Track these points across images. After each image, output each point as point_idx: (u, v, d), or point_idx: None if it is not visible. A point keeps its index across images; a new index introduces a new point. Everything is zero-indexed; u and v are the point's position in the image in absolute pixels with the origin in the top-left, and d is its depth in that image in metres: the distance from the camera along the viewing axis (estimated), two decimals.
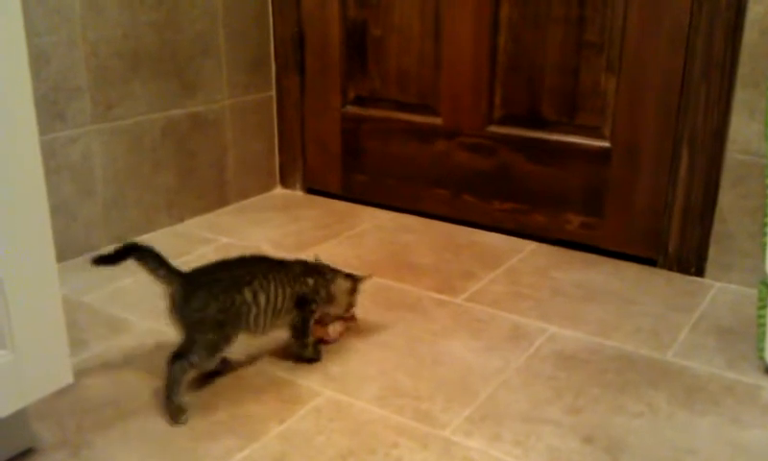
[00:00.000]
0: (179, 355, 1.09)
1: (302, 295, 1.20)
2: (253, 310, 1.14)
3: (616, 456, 1.02)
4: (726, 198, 1.50)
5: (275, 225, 1.88)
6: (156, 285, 1.10)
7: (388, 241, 1.77)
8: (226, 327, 1.11)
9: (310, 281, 1.22)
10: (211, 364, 1.15)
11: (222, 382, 1.18)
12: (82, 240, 1.65)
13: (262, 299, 1.14)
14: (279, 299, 1.17)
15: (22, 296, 0.88)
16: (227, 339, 1.12)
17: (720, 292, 1.51)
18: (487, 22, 1.73)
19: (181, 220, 1.88)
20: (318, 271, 1.24)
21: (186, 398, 1.11)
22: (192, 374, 1.12)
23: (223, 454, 1.01)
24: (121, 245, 1.09)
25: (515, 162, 1.78)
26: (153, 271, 1.09)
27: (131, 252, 1.09)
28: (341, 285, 1.26)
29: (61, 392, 1.04)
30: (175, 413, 1.08)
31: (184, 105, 1.83)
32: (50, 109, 1.53)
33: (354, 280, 1.28)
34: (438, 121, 1.86)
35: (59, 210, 1.58)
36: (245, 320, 1.13)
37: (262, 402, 1.13)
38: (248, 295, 1.13)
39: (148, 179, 1.77)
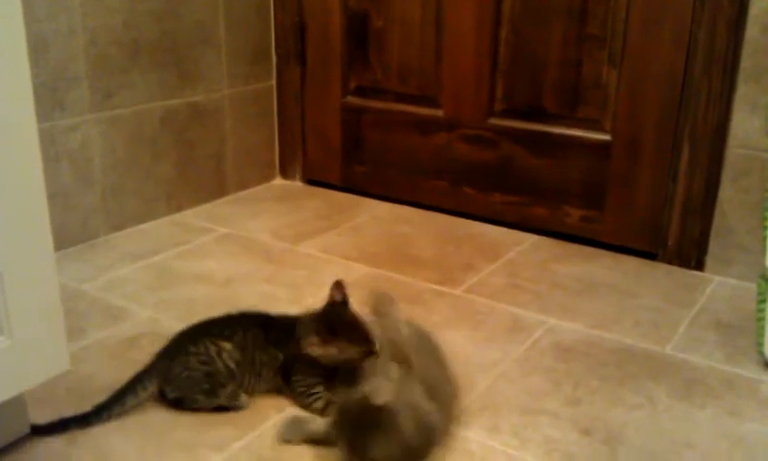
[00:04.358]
0: None
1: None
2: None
3: (614, 448, 1.02)
4: (726, 192, 1.50)
5: (274, 215, 1.87)
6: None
7: (388, 233, 1.77)
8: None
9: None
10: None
11: None
12: (80, 229, 1.64)
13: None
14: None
15: (20, 283, 0.88)
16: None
17: (720, 286, 1.51)
18: (489, 14, 1.72)
19: (180, 210, 1.87)
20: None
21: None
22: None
23: (220, 443, 1.01)
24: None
25: (515, 155, 1.77)
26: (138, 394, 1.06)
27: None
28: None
29: (59, 379, 1.04)
30: None
31: (184, 94, 1.82)
32: (49, 96, 1.53)
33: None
34: (439, 113, 1.85)
35: (57, 199, 1.58)
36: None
37: (260, 391, 1.13)
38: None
39: (147, 168, 1.77)
